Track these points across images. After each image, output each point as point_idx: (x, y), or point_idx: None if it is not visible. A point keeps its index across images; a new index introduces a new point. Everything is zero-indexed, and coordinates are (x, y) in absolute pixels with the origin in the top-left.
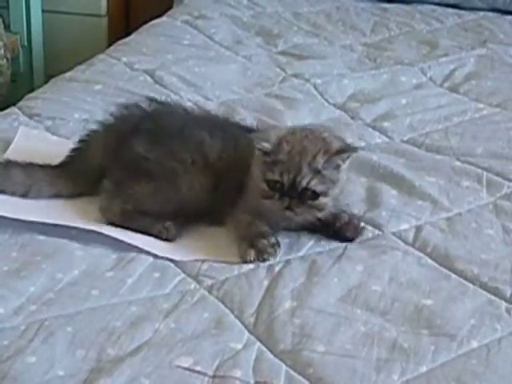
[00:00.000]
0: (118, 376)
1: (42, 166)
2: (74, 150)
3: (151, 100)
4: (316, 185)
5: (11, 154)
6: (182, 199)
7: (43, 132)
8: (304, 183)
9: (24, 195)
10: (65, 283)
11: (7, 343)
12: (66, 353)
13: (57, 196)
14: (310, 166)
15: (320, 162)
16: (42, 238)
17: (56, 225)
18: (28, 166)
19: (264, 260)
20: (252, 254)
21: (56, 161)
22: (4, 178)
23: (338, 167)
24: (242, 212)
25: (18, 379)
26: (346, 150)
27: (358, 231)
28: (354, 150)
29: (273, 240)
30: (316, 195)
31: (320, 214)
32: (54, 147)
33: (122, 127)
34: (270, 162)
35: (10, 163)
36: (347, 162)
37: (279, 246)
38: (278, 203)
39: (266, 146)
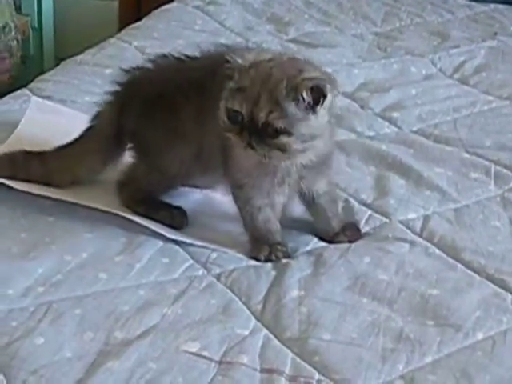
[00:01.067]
0: (125, 359)
1: (57, 151)
2: (88, 128)
3: (151, 60)
4: (274, 119)
5: (24, 124)
6: (170, 170)
7: (55, 104)
8: (262, 115)
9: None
10: (73, 266)
11: (16, 324)
12: (73, 335)
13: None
14: (269, 96)
15: (282, 92)
16: (51, 219)
17: (69, 202)
18: (44, 157)
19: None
20: (265, 255)
21: (68, 132)
22: (25, 173)
23: (310, 106)
24: (236, 182)
25: (27, 360)
26: (319, 85)
27: (356, 235)
28: (332, 87)
29: (285, 249)
30: (276, 132)
31: (288, 161)
32: (65, 118)
33: (124, 95)
34: (233, 90)
35: (27, 155)
36: (326, 103)
37: (290, 256)
38: (238, 138)
39: (232, 70)
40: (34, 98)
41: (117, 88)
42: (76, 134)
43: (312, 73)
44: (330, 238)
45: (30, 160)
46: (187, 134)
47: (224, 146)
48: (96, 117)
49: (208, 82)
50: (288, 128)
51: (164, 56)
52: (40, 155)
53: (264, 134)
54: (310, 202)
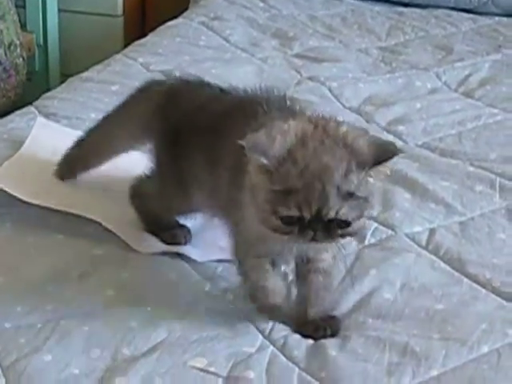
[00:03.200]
0: (132, 375)
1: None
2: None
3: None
4: (348, 212)
5: (29, 143)
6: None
7: (60, 126)
8: (332, 214)
9: None
10: (80, 282)
11: (24, 341)
12: (81, 352)
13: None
14: (338, 191)
15: (353, 181)
16: (60, 236)
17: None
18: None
19: None
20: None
21: None
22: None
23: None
24: (244, 236)
25: (34, 377)
26: (385, 155)
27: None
28: (395, 151)
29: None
30: (348, 223)
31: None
32: (70, 139)
33: (163, 99)
34: (279, 192)
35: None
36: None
37: None
38: (299, 237)
39: (267, 163)
40: (39, 119)
41: (159, 87)
42: None
43: (363, 144)
44: (303, 328)
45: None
46: (199, 173)
47: (234, 199)
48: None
49: (224, 125)
50: (360, 214)
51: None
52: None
53: (332, 227)
54: (304, 274)
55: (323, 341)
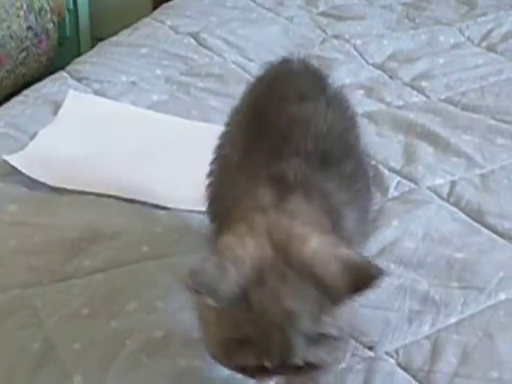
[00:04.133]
0: None
1: None
2: None
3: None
4: (319, 356)
5: (61, 117)
6: None
7: (91, 95)
8: (300, 362)
9: None
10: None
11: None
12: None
13: None
14: (305, 337)
15: (324, 321)
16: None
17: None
18: None
19: None
20: None
21: (104, 125)
22: None
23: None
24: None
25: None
26: (363, 282)
27: None
28: (375, 275)
29: None
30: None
31: None
32: (102, 110)
33: None
34: (233, 339)
35: None
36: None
37: None
38: (260, 379)
39: (216, 305)
40: (71, 92)
41: None
42: (112, 127)
43: (332, 261)
44: None
45: None
46: None
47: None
48: None
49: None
50: (335, 353)
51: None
52: None
53: (301, 369)
54: None
55: None
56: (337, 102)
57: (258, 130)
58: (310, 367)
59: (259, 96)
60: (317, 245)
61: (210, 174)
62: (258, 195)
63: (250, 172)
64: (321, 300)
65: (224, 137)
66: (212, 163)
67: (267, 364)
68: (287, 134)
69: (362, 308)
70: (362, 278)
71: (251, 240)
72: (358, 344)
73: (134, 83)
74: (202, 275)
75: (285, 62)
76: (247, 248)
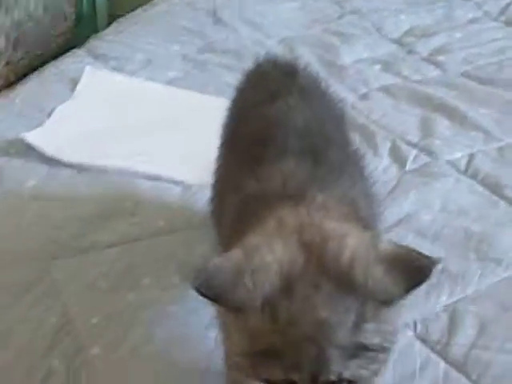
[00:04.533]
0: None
1: None
2: None
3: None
4: (357, 372)
5: (78, 93)
6: None
7: (108, 72)
8: (334, 378)
9: None
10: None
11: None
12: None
13: None
14: (344, 350)
15: (368, 331)
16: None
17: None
18: None
19: None
20: None
21: (121, 98)
22: None
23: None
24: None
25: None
26: (416, 281)
27: None
28: (429, 270)
29: None
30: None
31: None
32: (118, 86)
33: None
34: (259, 353)
35: None
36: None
37: None
38: None
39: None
40: (88, 68)
41: None
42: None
43: (377, 264)
44: None
45: None
46: None
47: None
48: None
49: None
50: (376, 368)
51: None
52: None
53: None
54: None
55: None
56: (311, 92)
57: (239, 137)
58: (346, 382)
59: (237, 104)
60: (354, 245)
61: (218, 159)
62: (271, 196)
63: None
64: (365, 306)
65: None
66: (218, 148)
67: (296, 378)
68: (267, 136)
69: None
70: (415, 272)
71: (279, 246)
72: None
73: (150, 60)
74: (210, 278)
75: (256, 66)
76: (274, 250)
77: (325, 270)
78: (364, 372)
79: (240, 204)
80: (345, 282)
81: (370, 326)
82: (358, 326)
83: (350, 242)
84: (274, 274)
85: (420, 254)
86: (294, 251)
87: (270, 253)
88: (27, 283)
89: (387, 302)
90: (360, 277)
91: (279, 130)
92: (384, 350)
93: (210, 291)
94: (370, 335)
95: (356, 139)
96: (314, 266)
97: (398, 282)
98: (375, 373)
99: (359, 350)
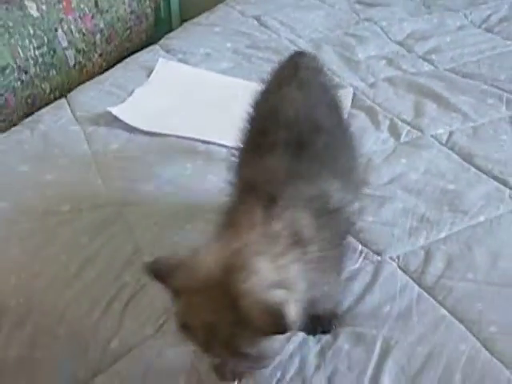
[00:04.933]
0: None
1: None
2: None
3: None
4: (239, 363)
5: (152, 79)
6: None
7: (176, 63)
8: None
9: None
10: (191, 171)
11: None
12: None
13: None
14: (224, 346)
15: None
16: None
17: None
18: None
19: None
20: None
21: (186, 82)
22: None
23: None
24: None
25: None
26: (279, 328)
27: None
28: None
29: None
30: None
31: None
32: (183, 73)
33: None
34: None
35: None
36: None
37: None
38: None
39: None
40: (161, 60)
41: None
42: (192, 85)
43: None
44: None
45: None
46: None
47: None
48: None
49: None
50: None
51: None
52: None
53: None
54: None
55: (363, 210)
56: (309, 83)
57: (252, 123)
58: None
59: (259, 92)
60: (256, 282)
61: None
62: (236, 205)
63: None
64: (236, 329)
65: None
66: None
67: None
68: (264, 126)
69: (374, 224)
70: (272, 324)
71: (212, 255)
72: (368, 250)
73: (209, 54)
74: (157, 266)
75: (279, 64)
76: (205, 259)
77: (223, 290)
78: (247, 366)
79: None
80: (236, 306)
81: (245, 344)
82: (233, 340)
83: (254, 278)
84: (197, 271)
85: (282, 316)
86: (215, 265)
87: (196, 270)
88: (106, 223)
89: (253, 335)
90: (247, 308)
91: (273, 121)
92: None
93: (158, 276)
94: (247, 348)
95: (363, 117)
96: (221, 282)
97: (263, 325)
98: (261, 365)
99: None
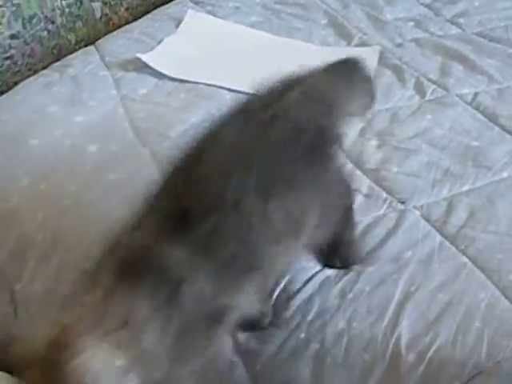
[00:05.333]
0: None
1: None
2: None
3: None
4: None
5: (181, 29)
6: None
7: (205, 14)
8: None
9: None
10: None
11: None
12: None
13: None
14: None
15: None
16: (201, 86)
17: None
18: None
19: None
20: None
21: (214, 33)
22: None
23: None
24: None
25: None
26: None
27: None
28: None
29: None
30: None
31: None
32: (211, 25)
33: None
34: None
35: None
36: None
37: None
38: None
39: None
40: (190, 11)
41: None
42: (219, 37)
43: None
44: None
45: None
46: None
47: None
48: None
49: None
50: None
51: None
52: None
53: None
54: None
55: (389, 161)
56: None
57: None
58: None
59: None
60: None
61: None
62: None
63: None
64: None
65: None
66: None
67: None
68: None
69: (399, 174)
70: None
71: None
72: (392, 198)
73: (238, 7)
74: None
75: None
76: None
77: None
78: None
79: None
80: None
81: None
82: None
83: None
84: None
85: None
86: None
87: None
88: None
89: None
90: None
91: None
92: None
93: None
94: None
95: (389, 75)
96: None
97: None
98: None
99: None
